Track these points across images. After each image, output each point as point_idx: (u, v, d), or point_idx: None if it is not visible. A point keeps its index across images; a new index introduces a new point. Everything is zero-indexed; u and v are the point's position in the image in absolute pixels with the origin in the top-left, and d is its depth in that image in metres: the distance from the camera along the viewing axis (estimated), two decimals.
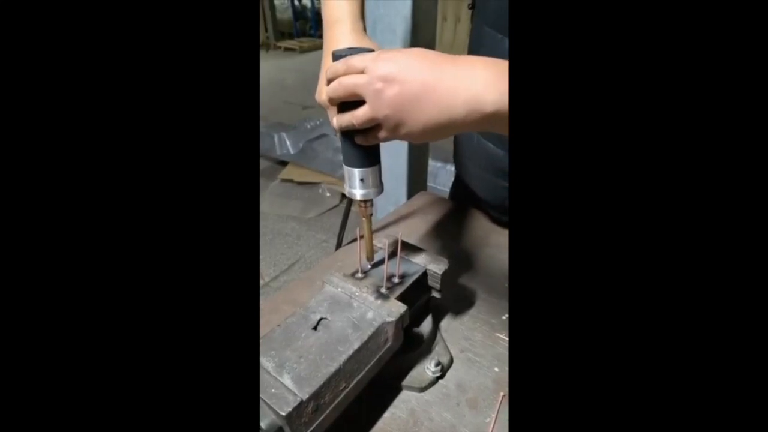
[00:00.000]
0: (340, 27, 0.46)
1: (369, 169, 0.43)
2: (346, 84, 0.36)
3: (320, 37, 5.76)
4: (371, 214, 0.47)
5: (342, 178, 0.77)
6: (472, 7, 0.61)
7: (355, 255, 0.48)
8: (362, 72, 0.35)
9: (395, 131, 0.36)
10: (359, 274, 0.48)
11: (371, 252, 0.50)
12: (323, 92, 0.41)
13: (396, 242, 0.49)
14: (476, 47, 0.61)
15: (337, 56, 0.38)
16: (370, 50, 0.38)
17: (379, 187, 0.44)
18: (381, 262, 0.49)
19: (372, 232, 0.49)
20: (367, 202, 0.45)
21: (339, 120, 0.39)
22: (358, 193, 0.44)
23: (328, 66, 0.39)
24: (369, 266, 0.49)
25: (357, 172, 0.42)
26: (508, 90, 0.30)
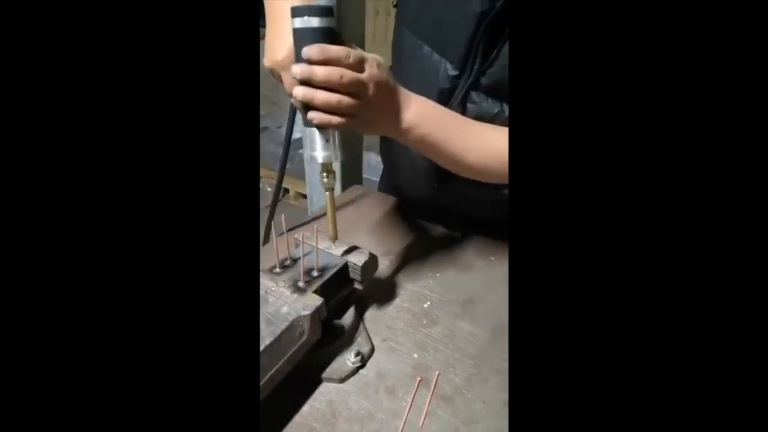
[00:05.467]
0: None
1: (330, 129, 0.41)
2: (349, 78, 0.38)
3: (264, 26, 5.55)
4: (333, 188, 0.46)
5: (285, 172, 0.77)
6: (395, 5, 0.61)
7: (279, 250, 0.48)
8: (363, 69, 0.39)
9: (361, 125, 0.41)
10: (277, 269, 0.47)
11: (335, 232, 0.47)
12: (277, 52, 0.41)
13: (314, 235, 0.49)
14: (398, 50, 0.61)
15: (298, 11, 0.37)
16: (329, 8, 0.38)
17: (342, 150, 0.43)
18: (300, 256, 0.49)
19: (335, 208, 0.47)
20: (330, 173, 0.44)
21: (321, 96, 0.38)
22: (319, 155, 0.42)
23: (278, 24, 0.41)
24: (333, 246, 0.48)
25: (317, 134, 0.41)
26: (419, 125, 0.45)
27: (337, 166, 0.45)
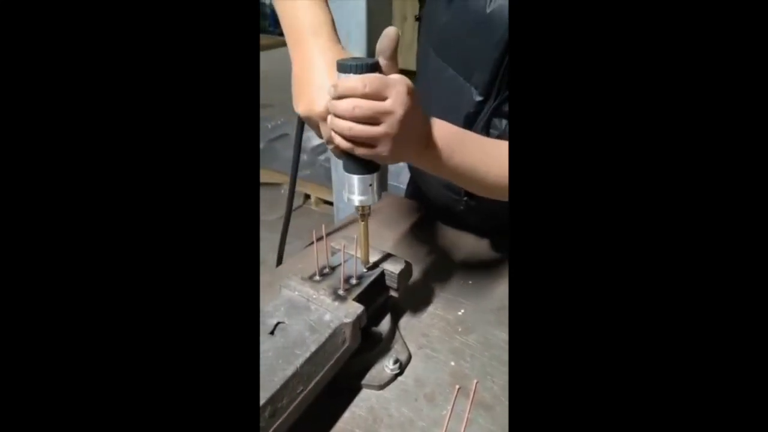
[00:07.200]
0: (317, 39, 0.42)
1: (369, 176, 0.42)
2: (362, 109, 0.36)
3: (280, 34, 5.63)
4: (368, 214, 0.47)
5: (306, 179, 0.78)
6: (419, 19, 0.61)
7: (314, 258, 0.49)
8: (386, 97, 0.36)
9: (383, 156, 0.39)
10: (317, 277, 0.48)
11: (367, 257, 0.50)
12: (316, 103, 0.40)
13: (353, 244, 0.50)
14: (422, 68, 0.60)
15: (345, 66, 0.37)
16: (375, 61, 0.38)
17: (379, 192, 0.44)
18: (339, 264, 0.50)
19: (368, 236, 0.49)
20: (364, 208, 0.46)
21: (336, 124, 0.37)
22: (356, 199, 0.43)
23: (313, 72, 0.40)
24: (365, 270, 0.50)
25: (356, 179, 0.42)
26: (442, 151, 0.43)
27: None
